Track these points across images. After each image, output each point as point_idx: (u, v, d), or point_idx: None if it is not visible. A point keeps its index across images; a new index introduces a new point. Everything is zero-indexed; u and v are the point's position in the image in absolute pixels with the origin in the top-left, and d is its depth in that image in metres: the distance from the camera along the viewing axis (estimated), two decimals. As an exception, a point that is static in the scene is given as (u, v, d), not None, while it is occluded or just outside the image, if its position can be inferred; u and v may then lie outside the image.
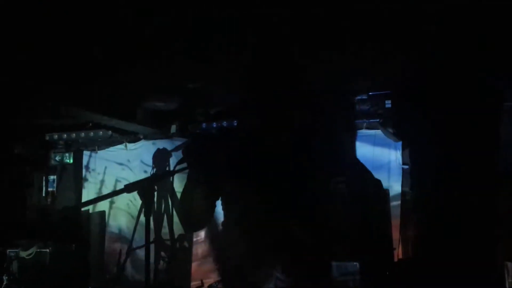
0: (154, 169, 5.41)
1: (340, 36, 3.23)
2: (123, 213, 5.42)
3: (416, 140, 4.61)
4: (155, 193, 1.54)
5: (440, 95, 4.34)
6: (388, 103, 4.73)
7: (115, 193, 1.47)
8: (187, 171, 1.69)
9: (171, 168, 1.73)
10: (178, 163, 1.63)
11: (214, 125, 5.12)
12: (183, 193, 1.78)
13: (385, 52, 3.62)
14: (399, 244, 4.96)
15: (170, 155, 5.34)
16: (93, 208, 5.38)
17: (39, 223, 5.09)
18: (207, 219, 1.90)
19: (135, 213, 5.18)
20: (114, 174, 5.65)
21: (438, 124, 4.41)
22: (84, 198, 5.62)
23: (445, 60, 3.80)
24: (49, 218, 5.07)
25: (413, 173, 4.99)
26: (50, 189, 5.64)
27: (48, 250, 4.63)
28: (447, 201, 4.42)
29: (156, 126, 5.30)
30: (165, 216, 5.26)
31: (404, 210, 5.20)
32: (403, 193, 5.09)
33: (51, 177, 5.65)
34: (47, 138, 5.51)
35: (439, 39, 3.32)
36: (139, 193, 1.43)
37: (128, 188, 1.45)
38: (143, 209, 1.55)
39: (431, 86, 4.35)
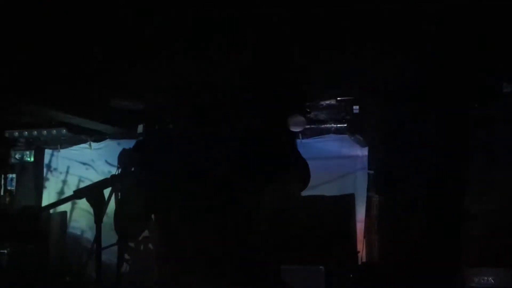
0: (119, 169, 5.29)
1: (308, 42, 3.23)
2: (85, 214, 5.30)
3: (382, 145, 4.66)
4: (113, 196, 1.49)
5: (407, 100, 4.40)
6: (356, 109, 4.77)
7: (64, 200, 1.41)
8: None
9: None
10: (126, 166, 1.58)
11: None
12: (119, 201, 1.71)
13: (353, 58, 3.64)
14: (363, 247, 5.01)
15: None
16: (54, 209, 5.26)
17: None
18: (140, 227, 1.83)
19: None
20: (77, 173, 5.52)
21: (405, 129, 4.46)
22: (45, 198, 5.48)
23: (412, 66, 3.85)
24: (7, 218, 4.92)
25: (378, 177, 5.04)
26: (9, 188, 5.48)
27: (5, 251, 4.49)
28: (412, 205, 4.48)
29: (122, 126, 5.21)
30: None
31: (369, 214, 5.26)
32: (368, 197, 5.15)
33: (10, 176, 5.50)
34: (7, 135, 5.35)
35: (412, 45, 3.36)
36: (88, 200, 1.38)
37: (77, 195, 1.39)
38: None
39: (399, 91, 4.40)
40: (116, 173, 1.69)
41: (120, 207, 1.68)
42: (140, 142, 1.77)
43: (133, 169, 1.57)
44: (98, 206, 1.39)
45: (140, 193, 1.67)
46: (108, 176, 1.66)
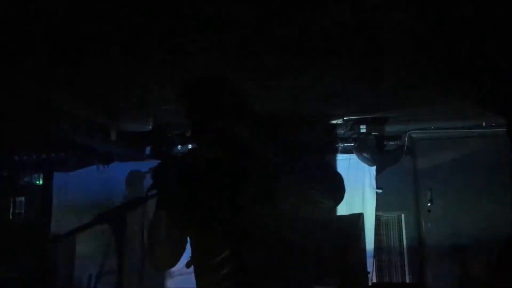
0: (127, 191, 5.31)
1: (315, 59, 3.24)
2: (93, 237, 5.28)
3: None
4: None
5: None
6: (363, 128, 4.78)
7: (86, 226, 1.40)
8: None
9: (144, 190, 1.67)
10: (150, 189, 1.56)
11: (190, 147, 5.08)
12: (150, 224, 1.69)
13: (361, 78, 3.66)
14: (373, 267, 4.97)
15: (144, 177, 5.25)
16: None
17: (3, 246, 4.92)
18: (177, 256, 1.77)
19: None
20: (86, 196, 5.51)
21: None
22: (54, 221, 5.45)
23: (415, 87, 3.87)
24: (16, 242, 4.90)
25: (387, 197, 5.04)
26: (17, 211, 5.47)
27: (15, 275, 4.47)
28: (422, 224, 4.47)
29: (130, 148, 5.22)
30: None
31: (378, 233, 5.23)
32: (377, 216, 5.13)
33: (19, 199, 5.49)
34: (16, 158, 5.36)
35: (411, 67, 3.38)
36: (110, 225, 1.37)
37: (98, 220, 1.39)
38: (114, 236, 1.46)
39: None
40: (125, 194, 1.68)
41: (154, 232, 1.67)
42: (167, 160, 1.75)
43: (154, 192, 1.56)
44: (120, 231, 1.38)
45: (177, 216, 1.67)
46: (118, 197, 1.66)
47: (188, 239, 1.80)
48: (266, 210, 1.64)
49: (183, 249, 1.78)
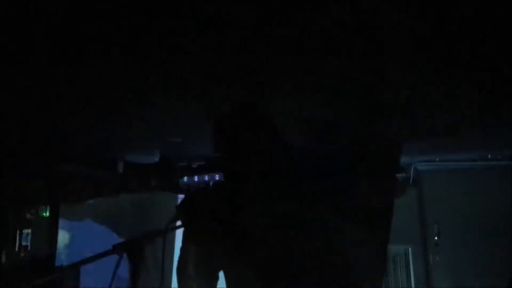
0: (134, 224, 5.30)
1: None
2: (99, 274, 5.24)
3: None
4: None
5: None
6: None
7: (102, 254, 1.41)
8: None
9: (150, 222, 1.66)
10: (172, 221, 1.56)
11: (196, 179, 5.10)
12: (179, 260, 1.67)
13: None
14: None
15: (152, 209, 5.26)
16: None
17: (9, 280, 4.87)
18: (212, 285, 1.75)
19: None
20: (93, 227, 5.50)
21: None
22: (59, 253, 5.42)
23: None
24: (21, 275, 4.86)
25: (393, 229, 4.98)
26: (23, 244, 5.43)
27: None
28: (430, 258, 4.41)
29: (137, 180, 5.24)
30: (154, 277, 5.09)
31: (385, 267, 5.17)
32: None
33: (26, 231, 5.45)
34: (24, 189, 5.36)
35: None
36: (128, 255, 1.38)
37: (116, 249, 1.39)
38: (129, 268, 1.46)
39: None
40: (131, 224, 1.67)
41: (184, 267, 1.64)
42: (196, 193, 1.74)
43: (175, 224, 1.55)
44: (137, 262, 1.38)
45: (208, 249, 1.65)
46: (124, 229, 1.66)
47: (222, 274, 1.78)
48: (295, 242, 1.62)
49: (215, 283, 1.75)
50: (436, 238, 5.05)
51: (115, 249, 1.39)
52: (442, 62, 2.57)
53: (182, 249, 1.66)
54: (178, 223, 1.58)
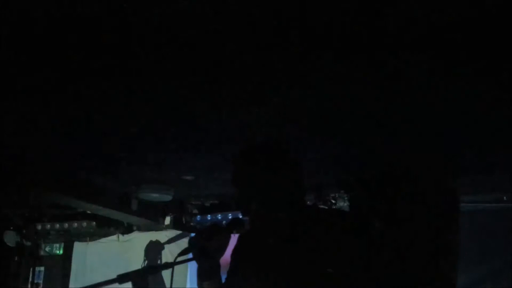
0: (146, 262, 5.28)
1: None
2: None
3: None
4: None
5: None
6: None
7: (106, 283, 1.43)
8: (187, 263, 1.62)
9: (162, 262, 1.65)
10: (180, 254, 1.56)
11: (209, 218, 5.09)
12: None
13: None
14: None
15: (163, 248, 5.24)
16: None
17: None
18: None
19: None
20: (106, 266, 5.49)
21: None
22: (71, 292, 5.40)
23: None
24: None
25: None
26: (36, 281, 5.44)
27: None
28: None
29: (150, 218, 5.25)
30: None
31: None
32: None
33: (38, 269, 5.47)
34: (39, 227, 5.42)
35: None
36: (132, 285, 1.39)
37: (121, 279, 1.40)
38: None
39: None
40: (143, 265, 1.65)
41: None
42: (209, 228, 1.70)
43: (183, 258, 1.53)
44: (141, 291, 1.40)
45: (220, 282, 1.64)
46: (137, 267, 1.66)
47: None
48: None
49: None
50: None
51: (119, 278, 1.40)
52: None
53: (197, 284, 1.64)
54: (189, 256, 1.58)
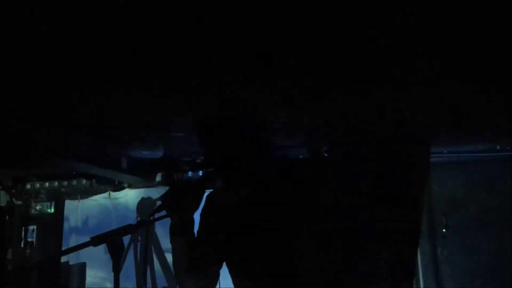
0: (138, 218, 5.30)
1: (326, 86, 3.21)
2: (105, 263, 5.25)
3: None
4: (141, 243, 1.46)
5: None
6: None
7: (80, 246, 1.39)
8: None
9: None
10: (155, 211, 1.52)
11: (201, 174, 5.08)
12: (173, 254, 1.63)
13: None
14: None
15: (155, 204, 5.25)
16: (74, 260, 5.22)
17: (16, 276, 4.90)
18: (211, 282, 1.70)
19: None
20: (98, 223, 5.51)
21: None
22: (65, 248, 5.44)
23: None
24: (27, 271, 4.88)
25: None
26: (29, 240, 5.47)
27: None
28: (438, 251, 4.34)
29: (141, 175, 5.23)
30: (148, 268, 5.12)
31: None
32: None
33: (31, 227, 5.49)
34: (28, 187, 5.39)
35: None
36: (107, 247, 1.35)
37: (94, 241, 1.36)
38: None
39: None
40: (136, 221, 1.64)
41: (178, 260, 1.62)
42: (182, 184, 1.69)
43: (158, 215, 1.52)
44: (117, 254, 1.36)
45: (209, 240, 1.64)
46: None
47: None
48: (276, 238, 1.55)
49: (211, 281, 1.70)
50: (444, 230, 4.97)
51: (93, 241, 1.36)
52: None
53: (170, 241, 1.62)
54: (163, 213, 1.55)
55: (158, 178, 5.25)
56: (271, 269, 1.56)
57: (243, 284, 1.66)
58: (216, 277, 1.72)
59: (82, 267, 5.22)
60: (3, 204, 5.37)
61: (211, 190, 1.76)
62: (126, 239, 1.47)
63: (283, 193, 1.55)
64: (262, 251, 1.58)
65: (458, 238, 4.90)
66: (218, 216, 1.69)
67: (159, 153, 4.81)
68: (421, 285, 5.10)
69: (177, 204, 1.54)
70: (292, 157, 4.49)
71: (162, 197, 1.55)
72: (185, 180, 4.78)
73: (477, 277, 4.69)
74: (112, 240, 1.35)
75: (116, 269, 1.36)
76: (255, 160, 1.56)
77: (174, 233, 1.61)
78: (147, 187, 5.37)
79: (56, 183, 5.35)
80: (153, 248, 5.13)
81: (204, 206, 1.75)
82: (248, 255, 1.61)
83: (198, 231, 1.73)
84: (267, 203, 1.58)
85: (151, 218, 1.48)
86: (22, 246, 5.42)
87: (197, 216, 1.67)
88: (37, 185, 5.39)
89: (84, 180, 5.26)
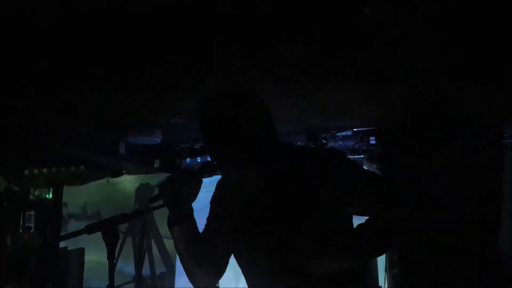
0: (136, 205, 5.32)
1: (323, 74, 3.22)
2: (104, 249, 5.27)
3: (400, 176, 4.58)
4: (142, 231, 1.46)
5: (422, 132, 4.35)
6: (372, 139, 4.74)
7: (75, 233, 1.39)
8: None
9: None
10: (151, 200, 1.52)
11: (199, 160, 5.07)
12: (175, 243, 1.63)
13: (369, 91, 3.62)
14: (385, 282, 4.88)
15: (153, 190, 5.26)
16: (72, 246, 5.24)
17: (14, 262, 4.93)
18: (218, 271, 1.70)
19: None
20: (96, 209, 5.53)
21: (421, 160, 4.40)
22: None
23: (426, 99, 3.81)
24: (25, 257, 4.90)
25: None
26: (27, 225, 5.48)
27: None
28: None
29: (139, 161, 5.23)
30: (146, 254, 5.14)
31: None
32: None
33: (29, 213, 5.50)
34: (27, 172, 5.39)
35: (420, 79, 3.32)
36: (102, 235, 1.35)
37: (89, 229, 1.36)
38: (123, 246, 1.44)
39: (414, 123, 4.36)
40: (134, 207, 1.63)
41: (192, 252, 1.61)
42: (180, 173, 1.66)
43: (156, 205, 1.50)
44: (112, 242, 1.36)
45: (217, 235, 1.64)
46: (127, 210, 1.61)
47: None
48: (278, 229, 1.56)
49: (219, 270, 1.70)
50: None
51: (87, 229, 1.36)
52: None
53: (171, 230, 1.62)
54: (160, 202, 1.54)
55: (156, 164, 5.25)
56: (279, 262, 1.55)
57: (251, 276, 1.66)
58: (224, 267, 1.71)
59: (80, 253, 5.25)
60: (1, 190, 5.38)
61: (220, 177, 1.74)
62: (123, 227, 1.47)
63: (293, 186, 1.53)
64: (271, 242, 1.57)
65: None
66: (227, 204, 1.67)
67: (157, 139, 4.80)
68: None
69: (174, 195, 1.53)
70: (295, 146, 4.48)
71: (159, 187, 1.53)
72: (182, 170, 4.77)
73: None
74: (106, 228, 1.35)
75: (111, 257, 1.36)
76: (261, 151, 1.53)
77: (172, 223, 1.59)
78: (145, 173, 5.38)
79: (54, 169, 5.35)
80: (151, 234, 5.16)
81: (214, 193, 1.74)
82: (256, 246, 1.60)
83: (207, 219, 1.73)
84: (276, 195, 1.55)
85: (149, 207, 1.48)
86: (20, 231, 5.43)
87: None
88: (35, 171, 5.39)
89: (82, 167, 5.25)
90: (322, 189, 1.51)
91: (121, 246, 4.85)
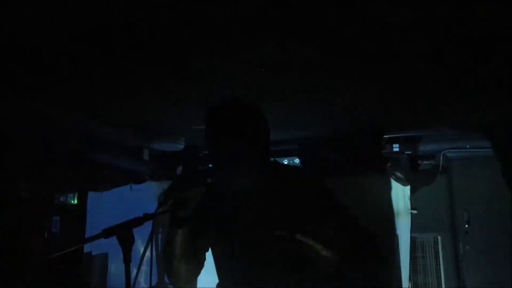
0: (160, 210, 5.34)
1: (340, 78, 3.20)
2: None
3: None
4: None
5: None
6: (395, 147, 4.69)
7: (92, 238, 1.42)
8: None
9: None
10: (160, 206, 1.56)
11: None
12: (165, 242, 1.70)
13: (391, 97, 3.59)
14: (409, 290, 4.81)
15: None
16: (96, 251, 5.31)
17: (39, 267, 5.01)
18: (194, 274, 1.79)
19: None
20: (120, 215, 5.58)
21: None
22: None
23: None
24: (50, 262, 4.98)
25: (422, 217, 4.88)
26: (52, 231, 5.57)
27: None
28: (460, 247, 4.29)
29: (162, 167, 5.28)
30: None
31: (413, 255, 5.07)
32: (412, 238, 4.98)
33: (54, 218, 5.59)
34: (52, 178, 5.48)
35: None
36: (117, 239, 1.38)
37: (106, 233, 1.39)
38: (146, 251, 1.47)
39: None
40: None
41: (168, 250, 1.66)
42: (182, 178, 1.76)
43: (165, 208, 1.56)
44: (127, 245, 1.38)
45: (193, 234, 1.67)
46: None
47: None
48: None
49: (199, 266, 1.77)
50: (466, 226, 4.90)
51: (104, 233, 1.39)
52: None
53: (168, 231, 1.67)
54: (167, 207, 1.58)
55: (179, 171, 5.29)
56: (252, 264, 1.61)
57: (223, 274, 1.72)
58: (202, 263, 1.82)
59: (104, 258, 5.31)
60: (27, 195, 5.47)
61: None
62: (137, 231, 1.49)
63: (276, 199, 1.60)
64: (246, 245, 1.62)
65: (481, 234, 4.83)
66: (211, 205, 1.76)
67: (180, 146, 4.84)
68: (443, 284, 5.04)
69: (181, 198, 1.57)
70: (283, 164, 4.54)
71: (166, 192, 1.58)
72: (187, 175, 4.82)
73: (500, 275, 4.61)
74: (121, 232, 1.37)
75: (127, 260, 1.39)
76: (256, 163, 1.59)
77: (176, 226, 1.65)
78: (168, 179, 5.41)
79: (79, 175, 5.43)
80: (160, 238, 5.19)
81: (203, 197, 1.78)
82: (232, 247, 1.66)
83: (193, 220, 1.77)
84: (258, 203, 1.66)
85: (158, 211, 1.52)
86: (45, 237, 5.52)
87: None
88: (60, 176, 5.48)
89: (106, 172, 5.33)
90: (298, 209, 1.60)
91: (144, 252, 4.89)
